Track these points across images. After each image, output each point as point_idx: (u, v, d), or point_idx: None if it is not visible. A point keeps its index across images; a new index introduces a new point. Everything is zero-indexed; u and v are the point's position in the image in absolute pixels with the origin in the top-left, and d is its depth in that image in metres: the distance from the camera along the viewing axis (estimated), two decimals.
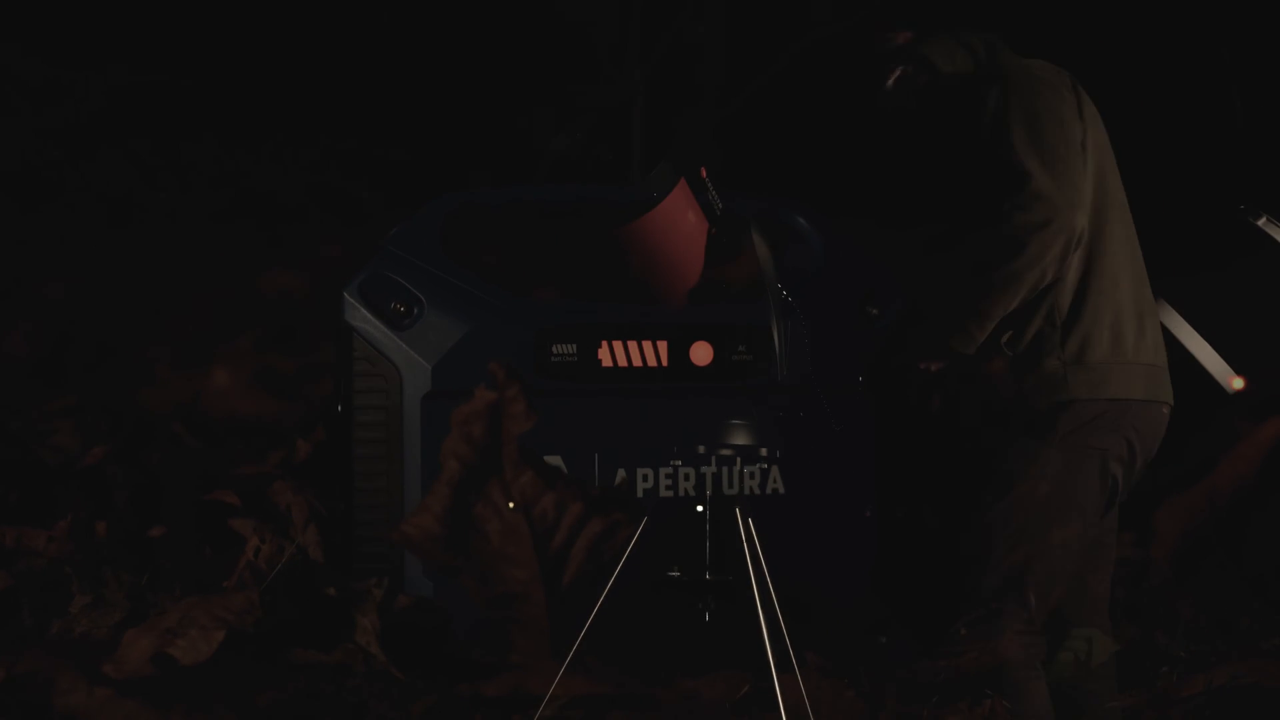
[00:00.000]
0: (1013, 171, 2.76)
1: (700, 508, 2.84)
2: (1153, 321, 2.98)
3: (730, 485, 3.06)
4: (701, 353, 3.09)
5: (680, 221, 2.98)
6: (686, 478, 3.08)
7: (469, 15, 5.65)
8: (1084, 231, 2.83)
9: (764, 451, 3.06)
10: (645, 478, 3.06)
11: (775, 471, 3.10)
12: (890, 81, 2.98)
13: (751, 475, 3.08)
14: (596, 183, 2.79)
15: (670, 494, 3.05)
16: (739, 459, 3.06)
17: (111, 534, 3.10)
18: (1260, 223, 2.98)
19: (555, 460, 2.99)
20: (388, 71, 5.68)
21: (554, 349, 3.03)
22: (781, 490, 3.10)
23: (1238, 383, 3.32)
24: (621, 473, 3.03)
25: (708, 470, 3.08)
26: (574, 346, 3.04)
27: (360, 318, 2.98)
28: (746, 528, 2.62)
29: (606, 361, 3.05)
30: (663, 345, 3.08)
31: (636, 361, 3.06)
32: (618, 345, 3.06)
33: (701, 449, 3.04)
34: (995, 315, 2.84)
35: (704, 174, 3.02)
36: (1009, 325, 2.92)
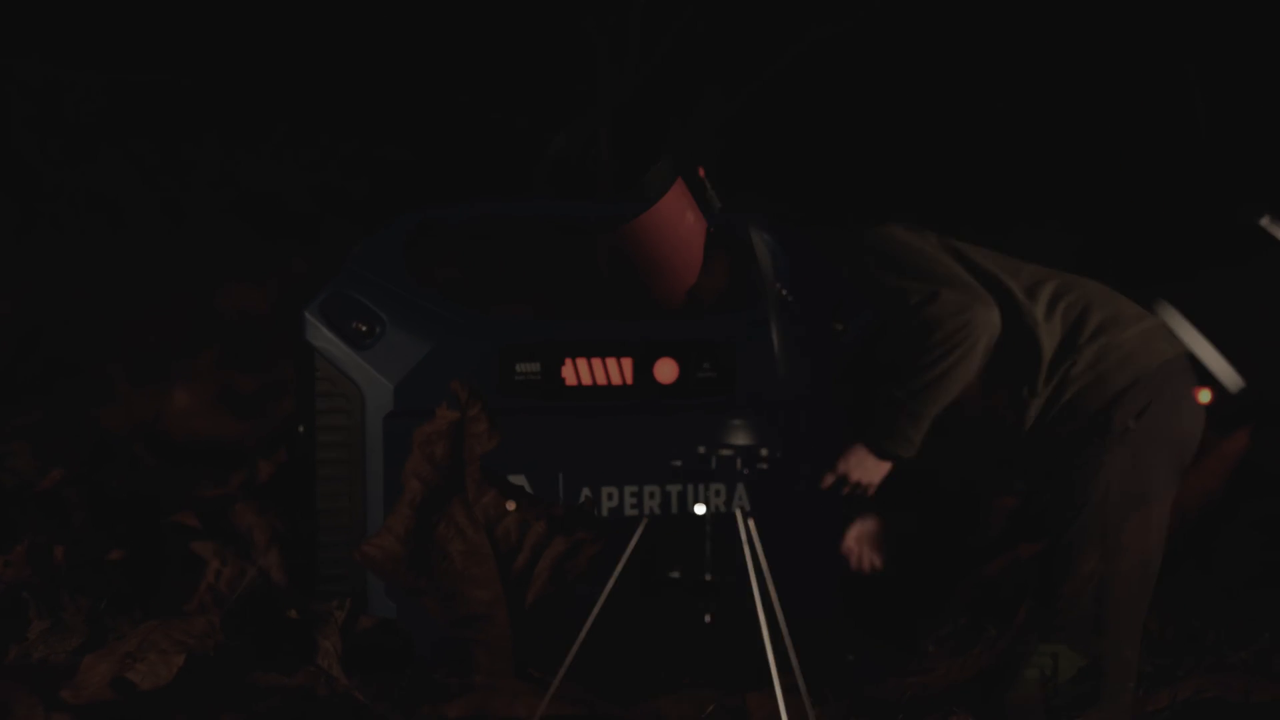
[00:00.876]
0: (919, 298, 2.86)
1: (700, 509, 2.83)
2: (1125, 300, 3.05)
3: (697, 502, 3.05)
4: (666, 370, 3.07)
5: (679, 220, 2.96)
6: (652, 496, 3.06)
7: (469, 15, 5.64)
8: (1000, 327, 2.91)
9: (731, 467, 3.04)
10: (610, 497, 3.04)
11: (741, 489, 3.08)
12: None
13: (718, 493, 3.06)
14: (596, 183, 2.77)
15: (635, 513, 3.03)
16: (705, 476, 3.04)
17: (70, 558, 3.06)
18: (1262, 223, 2.98)
19: (519, 480, 2.97)
20: (388, 71, 5.66)
21: (517, 367, 3.01)
22: (747, 507, 3.08)
23: (1204, 395, 3.31)
24: (586, 492, 3.01)
25: (673, 489, 3.06)
26: (537, 364, 3.01)
27: (321, 337, 2.95)
28: (748, 533, 2.61)
29: (570, 379, 3.03)
30: (627, 363, 3.06)
31: (601, 379, 3.04)
32: (581, 363, 3.04)
33: (673, 464, 3.01)
34: (930, 415, 2.92)
35: (701, 173, 3.00)
36: (1021, 381, 2.96)
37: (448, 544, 2.61)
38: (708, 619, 2.85)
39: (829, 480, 2.94)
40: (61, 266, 5.60)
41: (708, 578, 2.81)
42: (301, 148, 5.78)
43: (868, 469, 2.93)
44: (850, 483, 2.94)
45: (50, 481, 3.51)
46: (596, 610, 2.52)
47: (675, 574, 2.86)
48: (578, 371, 3.04)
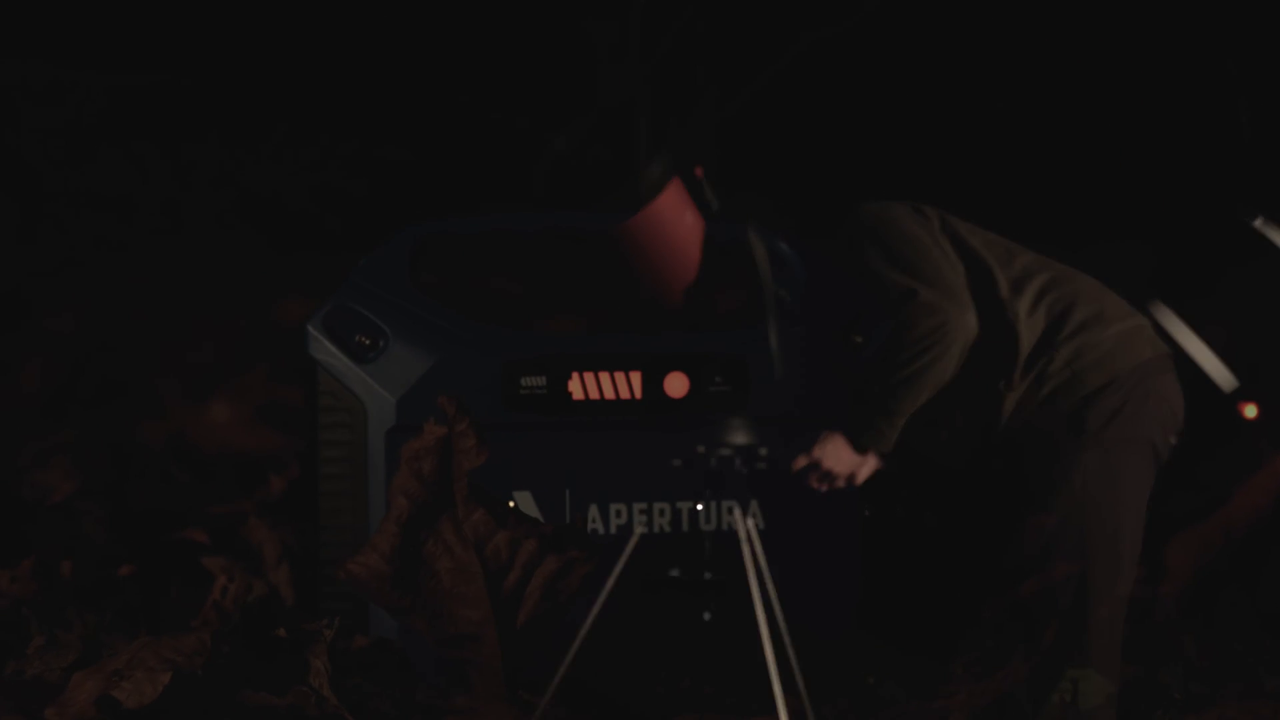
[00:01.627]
0: (898, 294, 2.81)
1: (699, 506, 2.77)
2: (1113, 297, 2.97)
3: (708, 521, 2.97)
4: (677, 384, 3.00)
5: (678, 220, 2.91)
6: (662, 514, 2.99)
7: (469, 15, 5.61)
8: (977, 330, 2.87)
9: (743, 482, 2.97)
10: (618, 514, 2.97)
11: (755, 506, 3.01)
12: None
13: (729, 510, 2.99)
14: (596, 184, 2.71)
15: (645, 530, 2.97)
16: (717, 493, 2.97)
17: (78, 572, 3.05)
18: (1257, 224, 2.89)
19: (524, 496, 2.91)
20: (388, 71, 5.64)
21: (522, 381, 2.95)
22: (762, 525, 3.01)
23: (1250, 410, 3.20)
24: (593, 509, 2.95)
25: (684, 506, 2.99)
26: (543, 379, 2.95)
27: (324, 351, 2.91)
28: (747, 533, 2.54)
29: (577, 394, 2.97)
30: (636, 376, 2.99)
31: (609, 394, 2.98)
32: (589, 377, 2.97)
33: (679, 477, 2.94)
34: (904, 412, 2.92)
35: (699, 173, 2.95)
36: (998, 374, 2.91)
37: (436, 562, 2.56)
38: (706, 617, 2.78)
39: (800, 463, 2.88)
40: (112, 278, 5.62)
41: (707, 576, 2.74)
42: (301, 148, 5.77)
43: (841, 459, 2.88)
44: (821, 470, 2.88)
45: (61, 495, 3.51)
46: (583, 633, 2.46)
47: (674, 572, 2.79)
48: (585, 385, 2.97)
